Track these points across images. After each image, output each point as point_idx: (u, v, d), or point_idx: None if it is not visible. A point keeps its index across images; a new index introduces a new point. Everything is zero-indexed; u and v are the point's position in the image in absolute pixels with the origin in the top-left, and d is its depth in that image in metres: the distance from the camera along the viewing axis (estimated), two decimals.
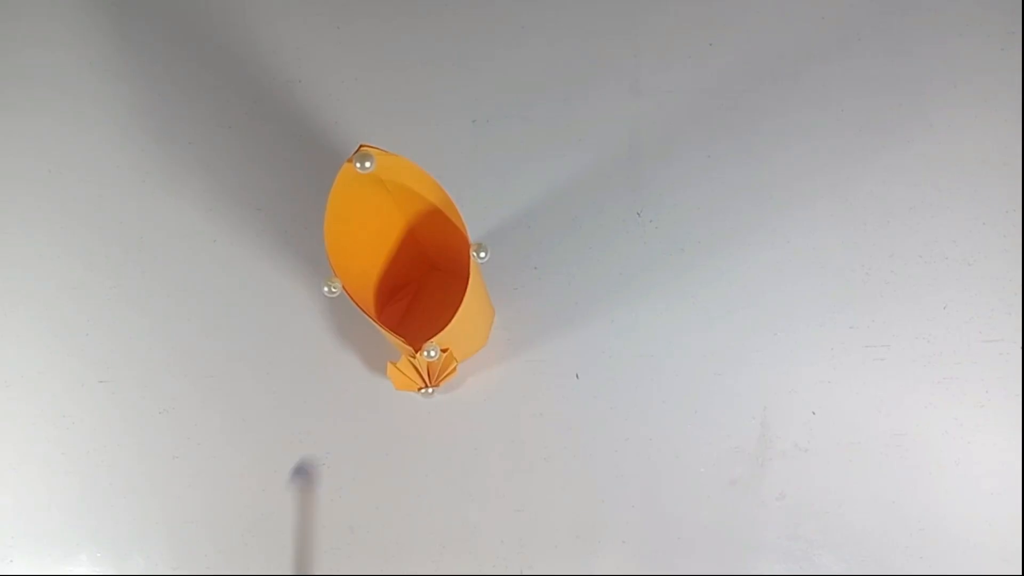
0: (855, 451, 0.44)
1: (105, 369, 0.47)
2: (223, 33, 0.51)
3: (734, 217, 0.47)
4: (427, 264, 0.47)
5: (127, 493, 0.45)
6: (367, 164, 0.32)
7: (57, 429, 0.46)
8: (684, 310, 0.46)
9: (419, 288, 0.47)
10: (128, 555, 0.45)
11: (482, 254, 0.36)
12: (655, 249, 0.47)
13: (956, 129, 0.47)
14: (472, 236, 0.37)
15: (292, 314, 0.47)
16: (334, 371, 0.46)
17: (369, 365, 0.46)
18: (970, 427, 0.44)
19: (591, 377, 0.45)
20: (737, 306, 0.46)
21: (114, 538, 0.45)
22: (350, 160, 0.32)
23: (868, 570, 0.43)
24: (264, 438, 0.45)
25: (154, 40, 0.51)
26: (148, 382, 0.46)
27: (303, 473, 0.31)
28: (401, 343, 0.38)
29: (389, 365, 0.40)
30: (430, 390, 0.41)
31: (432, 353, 0.38)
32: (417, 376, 0.41)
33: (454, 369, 0.41)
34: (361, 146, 0.32)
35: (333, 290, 0.35)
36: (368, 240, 0.40)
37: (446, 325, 0.37)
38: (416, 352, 0.38)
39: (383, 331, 0.37)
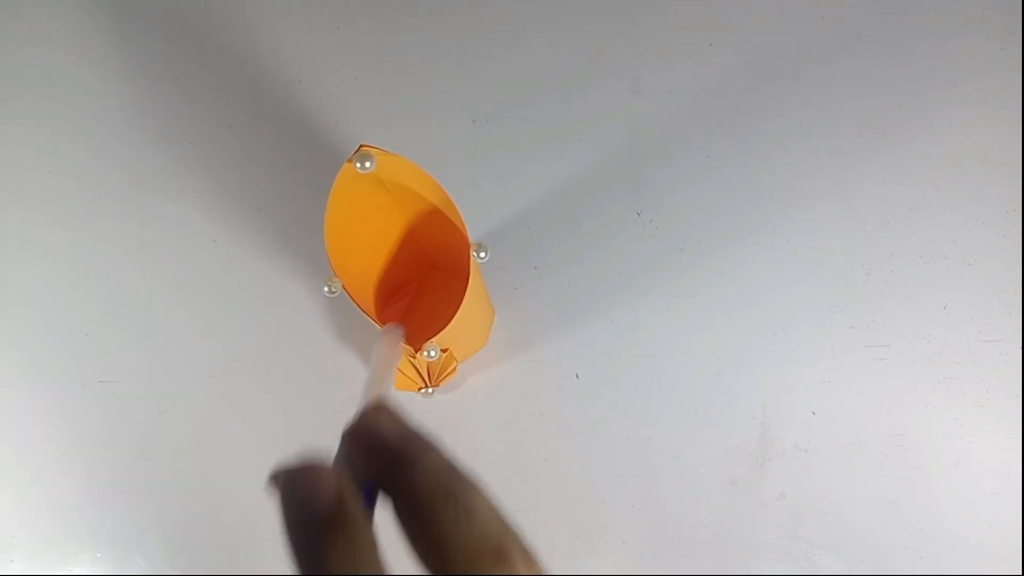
0: (855, 451, 0.44)
1: (105, 369, 0.47)
2: (223, 33, 0.51)
3: (734, 217, 0.47)
4: (427, 264, 0.47)
5: (127, 493, 0.45)
6: (367, 164, 0.32)
7: (57, 429, 0.46)
8: (684, 310, 0.46)
9: (419, 288, 0.47)
10: (129, 555, 0.45)
11: (482, 254, 0.36)
12: (655, 249, 0.47)
13: (956, 129, 0.47)
14: (472, 236, 0.37)
15: (292, 314, 0.47)
16: (334, 371, 0.46)
17: (368, 364, 0.46)
18: (970, 427, 0.44)
19: (591, 377, 0.45)
20: (737, 306, 0.46)
21: (115, 538, 0.45)
22: (350, 160, 0.32)
23: (868, 570, 0.43)
24: (264, 438, 0.45)
25: (154, 40, 0.51)
26: (148, 382, 0.46)
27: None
28: (401, 343, 0.38)
29: None
30: (430, 390, 0.41)
31: (432, 353, 0.38)
32: (417, 376, 0.41)
33: (454, 369, 0.41)
34: (361, 146, 0.32)
35: (333, 290, 0.35)
36: (368, 240, 0.40)
37: (446, 325, 0.37)
38: (416, 352, 0.38)
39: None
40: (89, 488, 0.45)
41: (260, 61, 0.51)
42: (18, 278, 0.48)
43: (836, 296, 0.46)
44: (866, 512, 0.43)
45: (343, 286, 0.35)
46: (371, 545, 0.17)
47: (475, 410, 0.45)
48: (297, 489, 0.18)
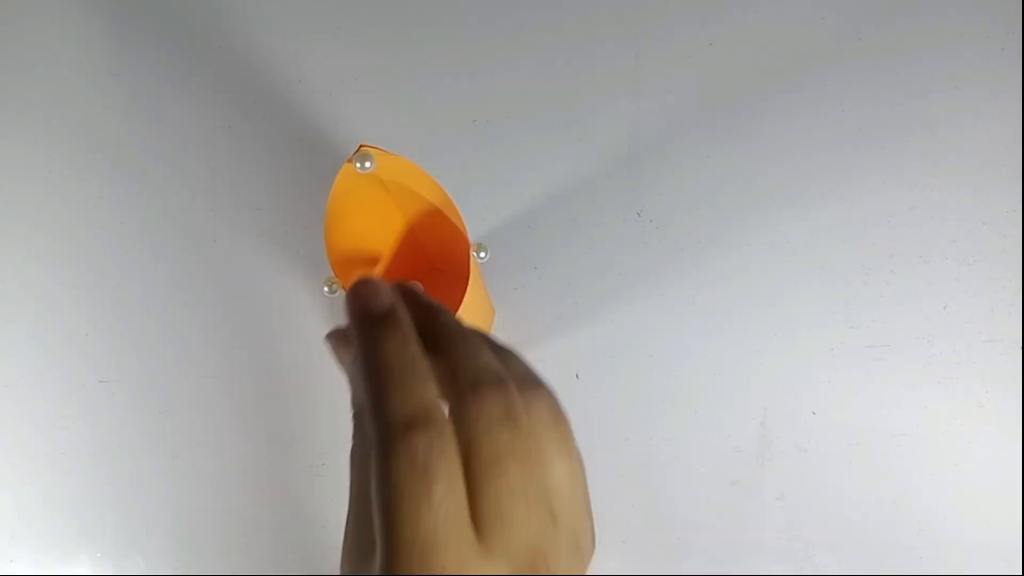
0: (855, 451, 0.44)
1: (105, 369, 0.47)
2: (223, 33, 0.51)
3: (734, 217, 0.47)
4: (427, 264, 0.47)
5: (127, 493, 0.45)
6: (367, 164, 0.32)
7: (57, 429, 0.46)
8: (684, 310, 0.46)
9: None
10: (129, 555, 0.45)
11: (482, 254, 0.36)
12: (655, 249, 0.47)
13: (956, 129, 0.47)
14: (472, 236, 0.37)
15: (292, 314, 0.47)
16: (334, 371, 0.46)
17: None
18: (970, 427, 0.44)
19: (591, 377, 0.45)
20: (737, 306, 0.46)
21: (115, 538, 0.45)
22: (350, 160, 0.32)
23: (868, 570, 0.43)
24: (264, 438, 0.45)
25: (154, 40, 0.51)
26: (148, 382, 0.46)
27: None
28: None
29: None
30: None
31: None
32: None
33: None
34: (361, 146, 0.32)
35: (333, 290, 0.35)
36: (368, 240, 0.40)
37: None
38: None
39: None
40: (89, 488, 0.45)
41: (260, 61, 0.51)
42: (18, 278, 0.48)
43: (836, 296, 0.46)
44: (866, 512, 0.43)
45: (343, 286, 0.35)
46: (416, 340, 0.22)
47: None
48: (362, 294, 0.23)
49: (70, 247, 0.48)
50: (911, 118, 0.48)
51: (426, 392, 0.21)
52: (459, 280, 0.37)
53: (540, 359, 0.46)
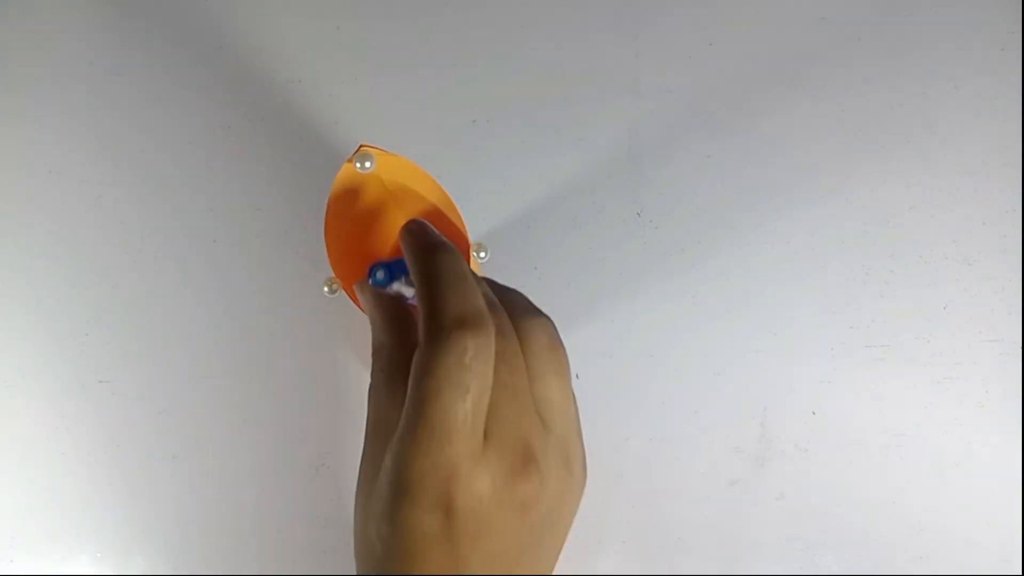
0: (855, 451, 0.44)
1: (105, 369, 0.47)
2: (223, 33, 0.51)
3: (734, 217, 0.47)
4: None
5: (127, 493, 0.45)
6: (367, 164, 0.32)
7: (57, 429, 0.46)
8: (684, 310, 0.46)
9: None
10: (129, 555, 0.45)
11: (482, 254, 0.36)
12: (655, 249, 0.47)
13: (956, 129, 0.47)
14: (472, 236, 0.37)
15: (292, 314, 0.47)
16: (334, 371, 0.46)
17: (369, 365, 0.46)
18: (970, 427, 0.44)
19: (591, 377, 0.45)
20: (737, 306, 0.46)
21: (115, 538, 0.45)
22: (350, 160, 0.32)
23: (868, 570, 0.43)
24: (264, 438, 0.45)
25: (153, 39, 0.51)
26: (148, 382, 0.46)
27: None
28: None
29: None
30: None
31: None
32: None
33: None
34: (361, 146, 0.32)
35: (333, 290, 0.35)
36: (368, 240, 0.41)
37: None
38: None
39: None
40: (89, 488, 0.45)
41: (260, 61, 0.51)
42: (18, 278, 0.48)
43: (836, 296, 0.46)
44: (866, 512, 0.43)
45: (343, 286, 0.36)
46: (467, 261, 0.26)
47: None
48: (421, 225, 0.29)
49: (70, 247, 0.48)
50: (911, 117, 0.48)
51: (478, 299, 0.24)
52: None
53: None
